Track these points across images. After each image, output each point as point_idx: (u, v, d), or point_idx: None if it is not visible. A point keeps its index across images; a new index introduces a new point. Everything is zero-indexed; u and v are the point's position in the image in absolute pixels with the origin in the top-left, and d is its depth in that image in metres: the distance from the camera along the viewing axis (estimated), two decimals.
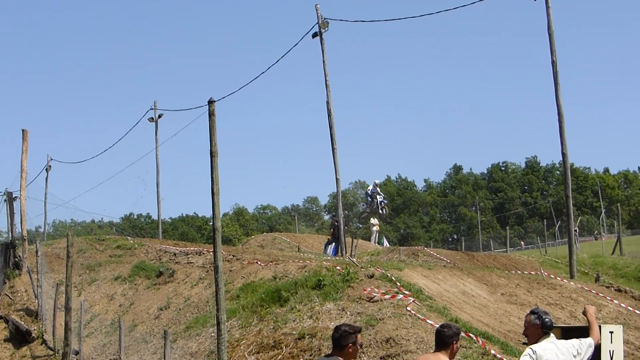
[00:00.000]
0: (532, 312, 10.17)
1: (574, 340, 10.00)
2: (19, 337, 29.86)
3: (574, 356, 9.80)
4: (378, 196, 42.57)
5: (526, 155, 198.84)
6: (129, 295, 31.09)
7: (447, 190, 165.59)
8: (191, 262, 31.49)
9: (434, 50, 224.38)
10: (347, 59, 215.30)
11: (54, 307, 28.62)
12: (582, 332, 10.41)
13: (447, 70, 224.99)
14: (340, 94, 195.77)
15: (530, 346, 9.84)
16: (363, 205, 42.66)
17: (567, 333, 10.47)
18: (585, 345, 10.00)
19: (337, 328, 9.34)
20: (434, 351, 9.39)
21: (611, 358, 10.61)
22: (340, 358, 9.10)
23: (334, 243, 39.84)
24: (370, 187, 45.02)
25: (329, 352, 9.43)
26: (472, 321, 19.20)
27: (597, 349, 10.31)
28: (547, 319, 9.96)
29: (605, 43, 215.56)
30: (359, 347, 9.26)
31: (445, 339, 9.24)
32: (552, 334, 9.97)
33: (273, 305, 21.34)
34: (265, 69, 46.60)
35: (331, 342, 9.35)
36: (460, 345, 9.59)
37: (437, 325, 9.87)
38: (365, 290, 19.61)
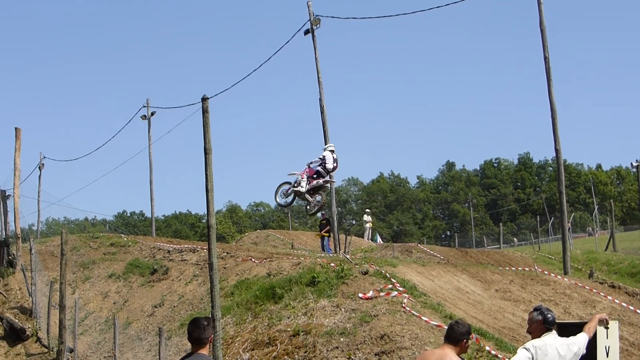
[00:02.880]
0: (535, 309, 10.18)
1: (572, 337, 10.01)
2: (14, 335, 29.79)
3: (575, 352, 9.82)
4: None
5: (519, 151, 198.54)
6: (123, 292, 31.07)
7: (440, 187, 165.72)
8: (185, 260, 31.48)
9: (427, 46, 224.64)
10: (340, 55, 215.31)
11: (48, 305, 28.60)
12: (577, 327, 10.43)
13: (439, 67, 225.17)
14: (333, 91, 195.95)
15: (530, 341, 9.86)
16: None
17: (563, 329, 10.48)
18: (583, 340, 10.02)
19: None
20: (442, 345, 9.39)
21: (607, 354, 10.62)
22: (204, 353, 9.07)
23: (325, 239, 39.93)
24: None
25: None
26: (466, 317, 19.20)
27: (590, 345, 10.31)
28: (549, 315, 9.96)
29: (598, 39, 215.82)
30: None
31: (457, 335, 9.23)
32: (554, 331, 9.97)
33: (267, 302, 21.34)
34: (257, 65, 46.62)
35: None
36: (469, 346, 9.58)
37: (451, 321, 9.84)
38: (366, 297, 19.52)
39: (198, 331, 9.06)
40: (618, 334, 10.98)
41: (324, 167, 25.75)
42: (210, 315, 14.78)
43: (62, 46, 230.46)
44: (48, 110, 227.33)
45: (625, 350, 19.50)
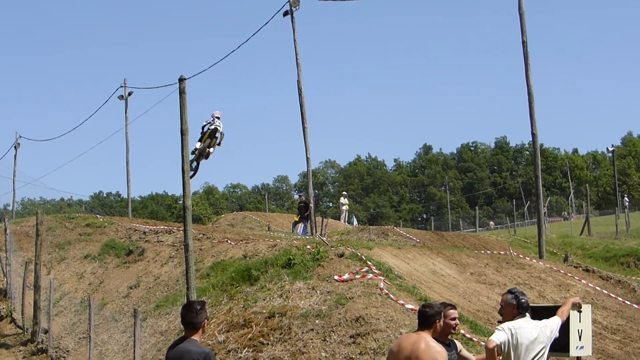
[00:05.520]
0: (509, 292, 10.25)
1: (544, 321, 10.07)
2: None
3: (548, 336, 9.90)
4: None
5: (496, 135, 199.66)
6: (99, 273, 31.00)
7: (416, 170, 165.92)
8: (161, 241, 31.44)
9: (404, 29, 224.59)
10: (318, 37, 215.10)
11: (23, 286, 28.49)
12: (551, 311, 10.49)
13: (417, 50, 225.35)
14: (311, 73, 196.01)
15: (506, 323, 9.92)
16: None
17: (537, 312, 10.54)
18: (556, 324, 10.09)
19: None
20: (417, 330, 9.41)
21: (580, 337, 10.70)
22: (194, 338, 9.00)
23: (302, 223, 39.67)
24: None
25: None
26: (441, 300, 19.27)
27: (563, 328, 10.37)
28: (523, 300, 10.04)
29: (575, 23, 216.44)
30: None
31: (428, 318, 9.26)
32: (527, 315, 10.04)
33: (243, 284, 21.32)
34: (236, 47, 46.34)
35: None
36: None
37: (419, 307, 9.86)
38: (341, 279, 19.49)
39: (190, 315, 8.98)
40: (591, 318, 11.07)
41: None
42: (199, 299, 14.73)
43: (38, 26, 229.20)
44: (25, 90, 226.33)
45: (598, 334, 19.63)
